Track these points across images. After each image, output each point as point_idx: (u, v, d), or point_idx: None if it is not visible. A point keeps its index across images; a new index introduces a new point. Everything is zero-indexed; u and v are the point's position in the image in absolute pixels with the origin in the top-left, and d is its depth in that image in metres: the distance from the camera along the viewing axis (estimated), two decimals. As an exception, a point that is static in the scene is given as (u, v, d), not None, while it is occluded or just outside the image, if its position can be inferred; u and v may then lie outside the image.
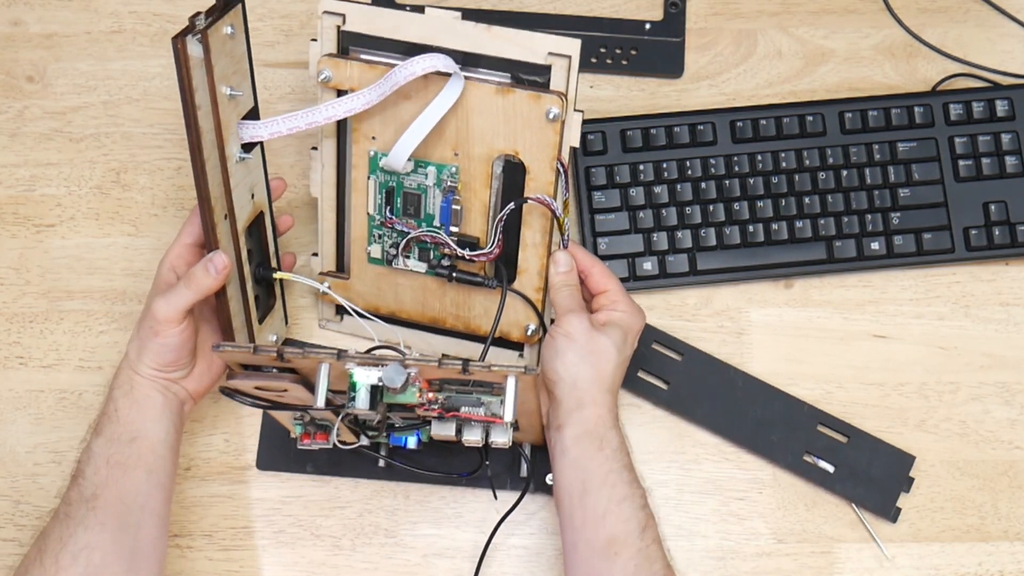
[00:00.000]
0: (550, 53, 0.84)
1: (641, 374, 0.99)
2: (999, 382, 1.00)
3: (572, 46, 0.84)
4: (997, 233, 1.02)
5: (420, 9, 0.85)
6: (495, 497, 0.95)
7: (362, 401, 0.76)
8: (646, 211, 1.01)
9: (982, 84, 1.06)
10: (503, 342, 0.96)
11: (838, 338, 1.01)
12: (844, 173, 1.02)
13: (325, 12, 0.87)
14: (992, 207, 1.02)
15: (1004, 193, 1.02)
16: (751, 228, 1.01)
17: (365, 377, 0.76)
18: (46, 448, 0.98)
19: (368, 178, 0.91)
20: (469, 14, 1.06)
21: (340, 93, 0.88)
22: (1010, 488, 0.98)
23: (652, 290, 1.02)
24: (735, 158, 1.02)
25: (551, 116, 0.85)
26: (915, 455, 0.97)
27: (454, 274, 0.92)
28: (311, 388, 0.77)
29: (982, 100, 1.03)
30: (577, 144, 0.87)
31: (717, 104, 1.05)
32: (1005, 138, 1.02)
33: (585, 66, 1.06)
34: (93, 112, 1.05)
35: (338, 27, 0.87)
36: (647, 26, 1.07)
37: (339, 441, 0.84)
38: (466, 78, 0.85)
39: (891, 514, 0.96)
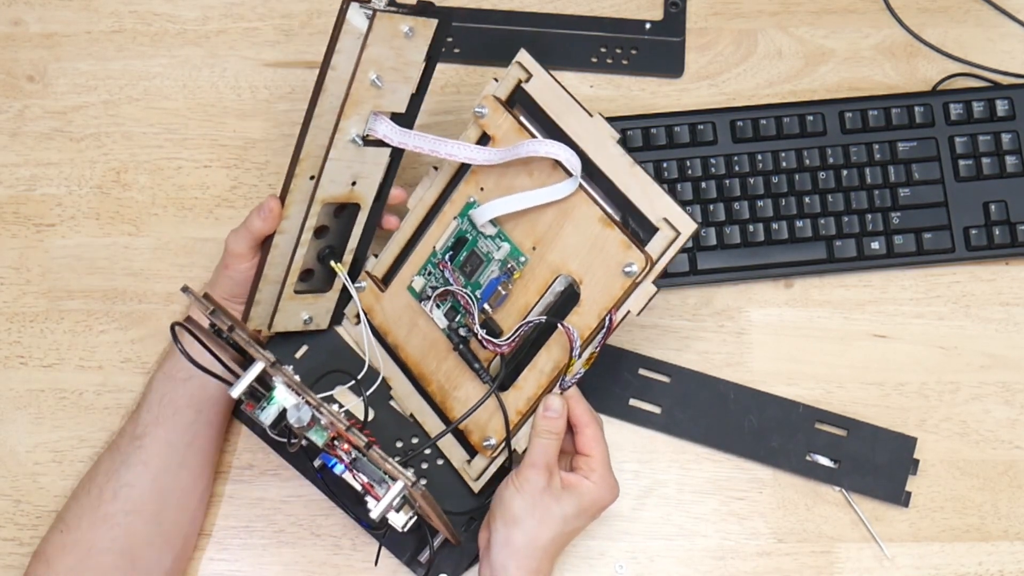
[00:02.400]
0: (664, 219, 0.84)
1: (633, 402, 0.99)
2: (999, 382, 1.00)
3: (687, 225, 0.83)
4: (997, 233, 1.02)
5: (590, 114, 0.86)
6: (375, 564, 0.93)
7: (267, 416, 0.77)
8: (646, 211, 1.01)
9: (982, 84, 1.06)
10: (463, 438, 0.94)
11: (838, 338, 1.01)
12: (844, 173, 1.02)
13: (517, 62, 0.89)
14: (992, 207, 1.02)
15: (1004, 193, 1.02)
16: (751, 228, 1.01)
17: (283, 397, 0.77)
18: (46, 448, 0.98)
19: (454, 219, 0.92)
20: (468, 14, 1.07)
21: (483, 135, 0.90)
22: (1010, 488, 0.98)
23: (652, 290, 1.02)
24: (735, 158, 1.02)
25: (627, 270, 0.84)
26: (916, 436, 0.98)
27: (461, 346, 0.91)
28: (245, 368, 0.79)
29: (982, 100, 1.03)
30: (637, 313, 0.85)
31: (717, 104, 1.05)
32: (1005, 138, 1.02)
33: (585, 66, 1.06)
34: (93, 112, 1.05)
35: (520, 81, 0.89)
36: (647, 26, 1.07)
37: (272, 430, 0.80)
38: (586, 192, 0.85)
39: (902, 499, 0.96)
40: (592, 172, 0.87)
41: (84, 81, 1.06)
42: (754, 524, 0.97)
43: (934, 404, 1.00)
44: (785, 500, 0.98)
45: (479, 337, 0.88)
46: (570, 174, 0.86)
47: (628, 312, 0.85)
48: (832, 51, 1.07)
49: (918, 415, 0.99)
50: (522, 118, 0.89)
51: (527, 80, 0.89)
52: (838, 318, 1.02)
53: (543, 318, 0.87)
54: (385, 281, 0.96)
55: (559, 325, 0.86)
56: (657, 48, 1.07)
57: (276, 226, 0.89)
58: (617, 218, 0.86)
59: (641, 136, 1.02)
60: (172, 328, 0.79)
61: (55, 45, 1.07)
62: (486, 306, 0.90)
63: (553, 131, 0.88)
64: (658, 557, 0.97)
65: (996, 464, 0.99)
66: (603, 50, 1.07)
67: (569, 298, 0.87)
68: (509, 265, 0.89)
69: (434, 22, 0.86)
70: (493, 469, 0.92)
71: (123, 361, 1.00)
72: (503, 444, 0.90)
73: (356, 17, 0.83)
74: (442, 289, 0.92)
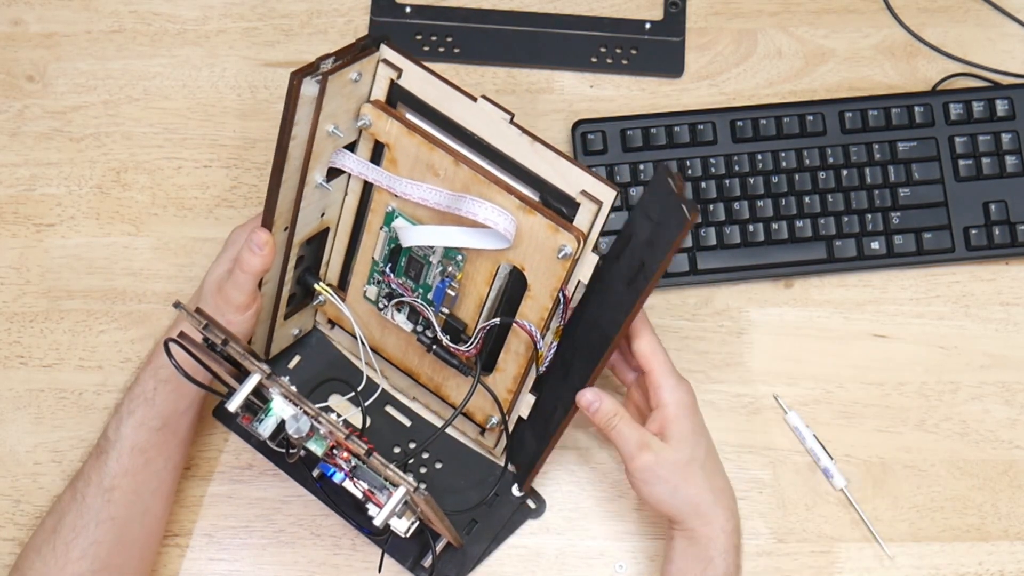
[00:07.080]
0: (583, 192, 0.81)
1: None
2: (999, 382, 1.00)
3: (607, 194, 0.80)
4: (997, 233, 1.02)
5: (473, 98, 0.83)
6: (379, 570, 0.92)
7: (265, 428, 0.77)
8: (646, 211, 1.01)
9: (982, 84, 1.06)
10: (469, 417, 0.94)
11: (838, 338, 1.01)
12: (844, 173, 1.02)
13: (383, 60, 0.85)
14: (992, 207, 1.02)
15: (1004, 193, 1.02)
16: (751, 228, 1.01)
17: (280, 409, 0.77)
18: (46, 448, 0.98)
19: (381, 228, 0.90)
20: (468, 14, 1.07)
21: (375, 144, 0.87)
22: (1010, 488, 0.98)
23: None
24: (735, 158, 1.02)
25: (562, 254, 0.81)
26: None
27: (434, 347, 0.90)
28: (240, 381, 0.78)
29: (982, 100, 1.03)
30: (587, 281, 0.83)
31: (717, 104, 1.05)
32: (1005, 138, 1.03)
33: (585, 66, 1.06)
34: (93, 112, 1.05)
35: (392, 80, 0.85)
36: (647, 26, 1.07)
37: (271, 441, 0.80)
38: (498, 181, 0.83)
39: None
40: (496, 158, 0.84)
41: (84, 81, 1.06)
42: (754, 524, 0.97)
43: (934, 404, 1.00)
44: (785, 500, 0.98)
45: (444, 345, 0.89)
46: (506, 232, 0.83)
47: (579, 282, 0.84)
48: (832, 51, 1.07)
49: (918, 415, 0.99)
50: (409, 115, 0.86)
51: (399, 76, 0.85)
52: (838, 318, 1.02)
53: (497, 321, 0.87)
54: (342, 287, 0.96)
55: (515, 324, 0.85)
56: (657, 48, 1.07)
57: (272, 257, 0.86)
58: (536, 199, 0.83)
59: (641, 136, 1.02)
60: (165, 344, 0.78)
61: (55, 45, 1.07)
62: (443, 309, 0.90)
63: (442, 122, 0.85)
64: (658, 557, 0.97)
65: (996, 464, 0.99)
66: (603, 50, 1.07)
67: (519, 280, 0.86)
68: (449, 269, 0.88)
69: (377, 54, 0.84)
70: (504, 440, 0.93)
71: (123, 361, 1.00)
72: (503, 421, 0.92)
73: (309, 88, 0.80)
74: (396, 300, 0.91)
